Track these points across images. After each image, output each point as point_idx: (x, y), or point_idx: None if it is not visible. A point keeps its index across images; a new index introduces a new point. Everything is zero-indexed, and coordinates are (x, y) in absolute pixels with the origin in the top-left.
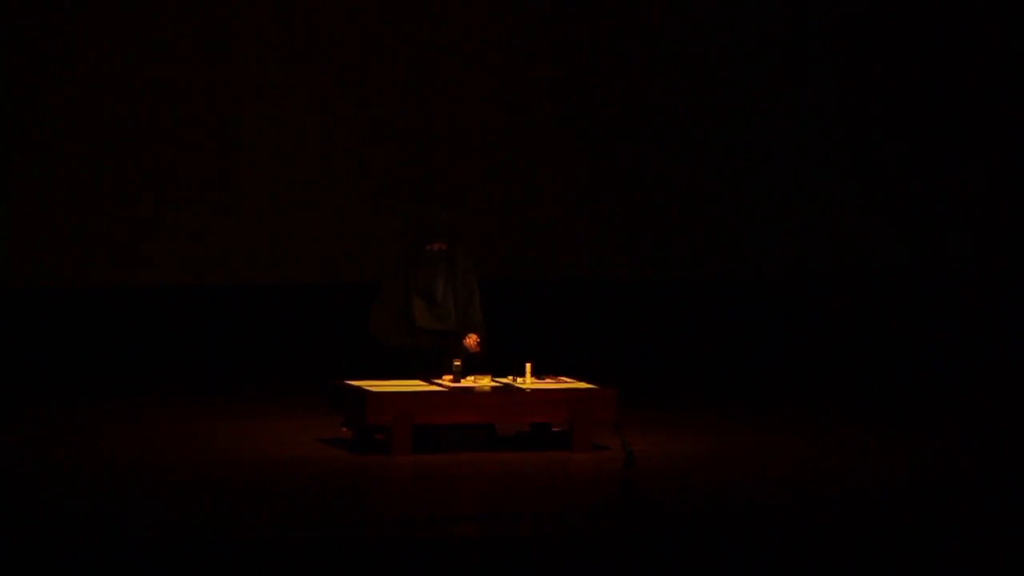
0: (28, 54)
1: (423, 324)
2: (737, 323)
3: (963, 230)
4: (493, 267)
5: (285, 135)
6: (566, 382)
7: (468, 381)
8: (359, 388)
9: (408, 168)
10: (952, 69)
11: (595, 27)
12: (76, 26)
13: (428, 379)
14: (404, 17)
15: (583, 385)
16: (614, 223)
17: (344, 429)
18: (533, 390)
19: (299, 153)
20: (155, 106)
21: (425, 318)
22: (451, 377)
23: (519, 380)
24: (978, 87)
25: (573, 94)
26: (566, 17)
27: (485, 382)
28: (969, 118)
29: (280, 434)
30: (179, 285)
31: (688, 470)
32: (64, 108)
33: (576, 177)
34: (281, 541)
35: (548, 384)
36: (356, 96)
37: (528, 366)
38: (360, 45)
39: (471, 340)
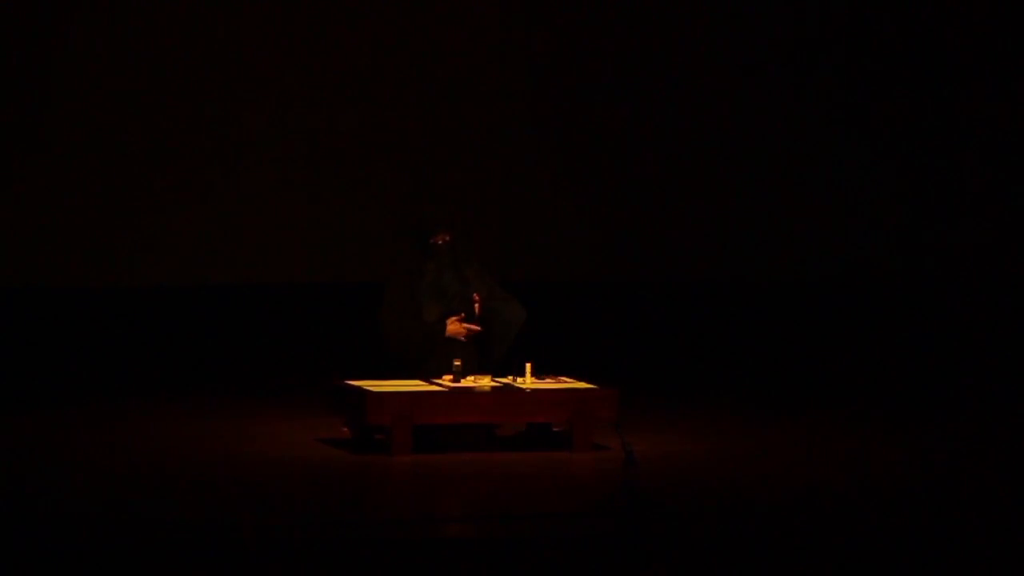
0: (29, 55)
1: (430, 318)
2: (736, 323)
3: (962, 230)
4: (493, 267)
5: (285, 135)
6: (566, 382)
7: (468, 381)
8: (359, 388)
9: (408, 168)
10: (951, 69)
11: (595, 27)
12: (76, 27)
13: (428, 379)
14: (404, 17)
15: (583, 385)
16: (614, 223)
17: (345, 429)
18: (533, 390)
19: (299, 153)
20: (155, 106)
21: (434, 313)
22: (451, 377)
23: (519, 380)
24: (978, 88)
25: (574, 94)
26: (566, 17)
27: (485, 382)
28: (969, 119)
29: (280, 434)
30: (179, 285)
31: (688, 470)
32: (64, 108)
33: (576, 177)
34: (281, 541)
35: (548, 384)
36: (356, 96)
37: (528, 366)
38: (360, 44)
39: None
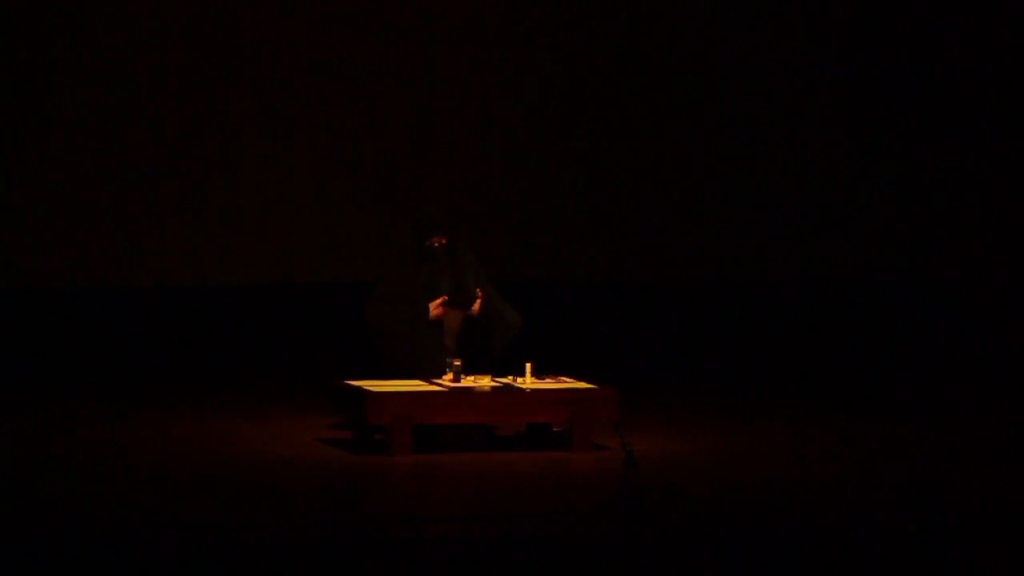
0: (29, 56)
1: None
2: (737, 323)
3: (963, 230)
4: (493, 267)
5: (284, 135)
6: (566, 382)
7: (468, 381)
8: (359, 388)
9: (407, 168)
10: (952, 68)
11: (595, 27)
12: (77, 28)
13: (428, 379)
14: (403, 16)
15: (583, 385)
16: (614, 223)
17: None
18: (533, 390)
19: (299, 153)
20: (155, 106)
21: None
22: (451, 377)
23: (519, 380)
24: (980, 88)
25: (574, 93)
26: (566, 16)
27: (485, 382)
28: (970, 119)
29: (280, 434)
30: (179, 285)
31: (688, 470)
32: (64, 108)
33: (576, 177)
34: (281, 541)
35: (548, 384)
36: (355, 95)
37: (528, 366)
38: (360, 45)
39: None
